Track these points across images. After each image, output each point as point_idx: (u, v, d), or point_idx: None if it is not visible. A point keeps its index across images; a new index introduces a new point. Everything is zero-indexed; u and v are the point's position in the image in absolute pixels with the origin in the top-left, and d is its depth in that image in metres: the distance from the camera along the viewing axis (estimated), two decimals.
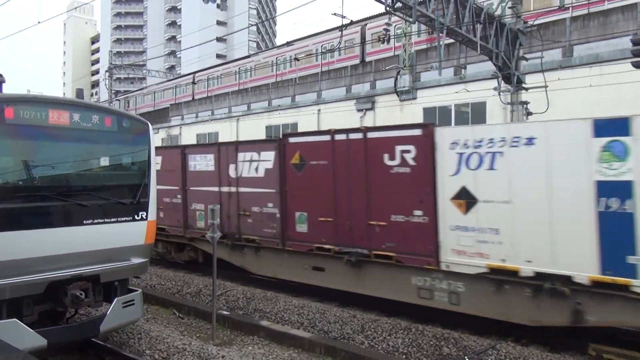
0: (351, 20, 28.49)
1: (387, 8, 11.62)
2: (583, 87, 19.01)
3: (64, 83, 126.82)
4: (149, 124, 8.01)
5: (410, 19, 12.03)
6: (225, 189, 12.47)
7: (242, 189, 12.06)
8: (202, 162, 13.14)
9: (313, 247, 10.64)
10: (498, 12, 16.99)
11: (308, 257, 10.84)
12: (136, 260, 7.55)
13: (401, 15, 12.35)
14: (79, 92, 7.86)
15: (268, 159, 11.43)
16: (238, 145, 12.32)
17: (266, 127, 33.87)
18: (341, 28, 17.34)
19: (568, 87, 18.77)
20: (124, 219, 7.35)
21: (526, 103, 17.92)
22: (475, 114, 23.63)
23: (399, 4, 12.19)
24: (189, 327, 9.38)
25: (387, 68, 26.42)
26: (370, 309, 10.30)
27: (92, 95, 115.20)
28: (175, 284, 12.49)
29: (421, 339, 8.17)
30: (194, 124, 40.58)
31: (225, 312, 9.66)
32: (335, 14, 31.87)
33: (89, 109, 7.24)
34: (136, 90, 64.56)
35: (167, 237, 14.41)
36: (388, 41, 11.90)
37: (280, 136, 11.48)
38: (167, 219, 14.09)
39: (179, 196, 13.78)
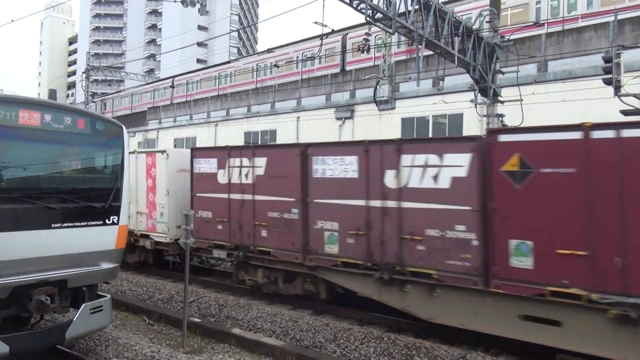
0: (332, 29, 28.68)
1: (367, 18, 11.71)
2: (556, 102, 19.46)
3: (39, 83, 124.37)
4: (123, 127, 7.89)
5: (390, 30, 12.15)
6: (376, 202, 9.40)
7: (407, 204, 9.00)
8: (335, 167, 10.07)
9: (544, 291, 7.44)
10: (476, 26, 17.33)
11: (530, 304, 7.70)
12: (106, 266, 7.40)
13: (381, 26, 12.47)
14: (52, 93, 7.76)
15: (458, 163, 8.41)
16: (402, 145, 9.19)
17: (245, 133, 33.72)
18: (321, 37, 17.38)
19: (542, 101, 19.18)
20: (94, 223, 7.20)
21: (502, 116, 18.26)
22: (453, 125, 23.95)
23: (379, 15, 12.31)
24: (159, 335, 9.21)
25: (366, 77, 26.62)
26: (344, 318, 10.29)
27: (67, 96, 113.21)
28: (147, 290, 12.28)
29: (393, 348, 8.18)
30: (172, 128, 40.17)
31: (196, 320, 9.52)
32: (316, 22, 32.11)
33: (61, 110, 7.10)
34: (113, 93, 63.68)
35: (271, 263, 11.22)
36: (368, 51, 11.95)
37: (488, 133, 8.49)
38: (275, 239, 11.07)
39: (296, 211, 10.65)
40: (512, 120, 17.82)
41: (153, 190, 14.22)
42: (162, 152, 14.20)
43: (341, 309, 10.67)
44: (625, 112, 11.49)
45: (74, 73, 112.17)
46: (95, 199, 7.27)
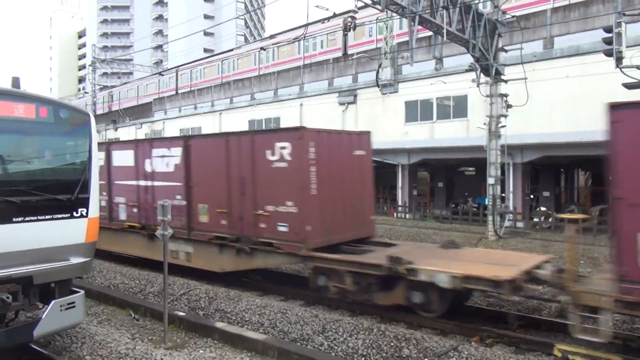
0: (334, 13, 27.99)
1: None
2: (563, 79, 18.71)
3: (51, 78, 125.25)
4: (90, 115, 7.52)
5: (379, 7, 11.57)
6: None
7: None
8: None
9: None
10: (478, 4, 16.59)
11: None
12: (76, 260, 7.07)
13: (369, 2, 11.87)
14: (15, 81, 7.35)
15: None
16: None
17: (249, 121, 33.35)
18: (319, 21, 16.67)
19: (547, 78, 18.46)
20: (59, 216, 6.87)
21: (505, 95, 17.60)
22: (457, 107, 23.29)
23: None
24: (142, 330, 8.92)
25: (366, 57, 25.95)
26: (335, 309, 9.92)
27: (79, 90, 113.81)
28: (139, 282, 12.02)
29: (382, 340, 7.79)
30: (177, 118, 39.95)
31: (180, 313, 9.22)
32: (317, 6, 31.43)
33: (20, 98, 6.74)
34: (120, 85, 63.61)
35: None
36: (353, 29, 11.47)
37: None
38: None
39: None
40: (517, 100, 17.17)
41: None
42: None
43: (333, 299, 10.29)
44: (627, 85, 10.82)
45: (84, 67, 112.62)
46: (60, 190, 6.92)
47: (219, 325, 8.58)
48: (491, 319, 9.05)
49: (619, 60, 11.24)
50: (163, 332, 8.33)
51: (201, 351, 7.79)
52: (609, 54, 11.65)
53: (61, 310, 6.86)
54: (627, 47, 11.92)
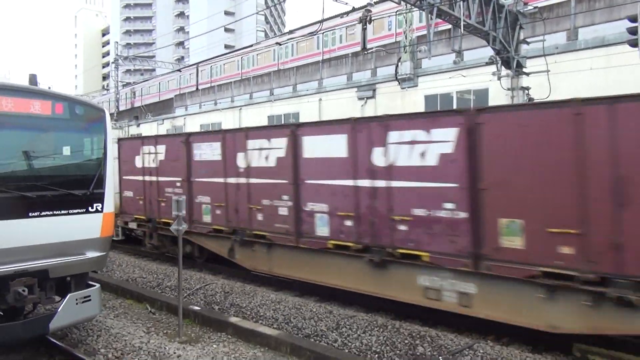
0: (353, 7, 27.79)
1: None
2: (587, 71, 18.22)
3: (76, 75, 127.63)
4: (105, 111, 7.59)
5: (395, 0, 11.40)
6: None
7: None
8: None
9: None
10: None
11: None
12: (91, 255, 7.17)
13: None
14: (32, 78, 7.45)
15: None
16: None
17: (268, 116, 33.42)
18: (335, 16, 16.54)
19: (571, 70, 17.99)
20: (75, 211, 6.96)
21: (527, 88, 17.21)
22: (478, 100, 22.90)
23: None
24: (157, 323, 9.01)
25: (384, 51, 25.68)
26: (349, 304, 9.86)
27: (103, 87, 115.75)
28: (157, 277, 12.16)
29: (396, 337, 7.71)
30: (197, 114, 40.28)
31: (196, 308, 9.28)
32: (336, 0, 31.24)
33: (36, 95, 6.83)
34: (141, 82, 64.44)
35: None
36: (369, 22, 11.35)
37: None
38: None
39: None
40: (539, 93, 16.76)
41: None
42: None
43: (348, 295, 10.22)
44: None
45: (107, 64, 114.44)
46: (75, 186, 7.02)
47: (233, 320, 8.61)
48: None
49: None
50: (178, 326, 8.40)
51: (214, 346, 7.83)
52: (633, 44, 11.27)
53: (77, 304, 6.96)
54: None
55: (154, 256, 14.96)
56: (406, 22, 24.83)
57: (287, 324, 8.69)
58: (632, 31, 11.34)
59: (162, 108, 44.19)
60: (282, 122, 32.19)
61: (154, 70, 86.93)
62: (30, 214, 6.49)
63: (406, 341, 7.58)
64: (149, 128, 45.31)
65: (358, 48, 30.92)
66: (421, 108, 24.66)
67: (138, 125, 46.22)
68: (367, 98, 26.99)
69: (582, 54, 19.09)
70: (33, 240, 6.49)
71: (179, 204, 8.26)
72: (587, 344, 6.93)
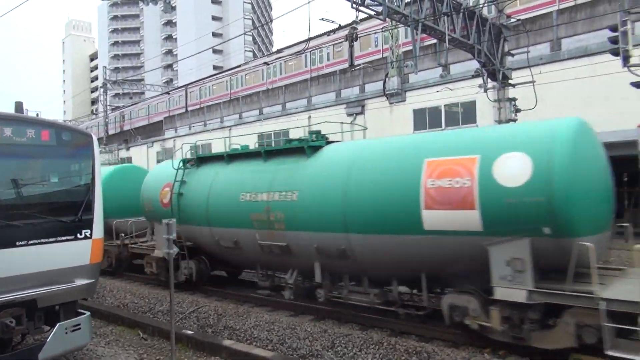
0: (339, 25, 28.18)
1: (354, 5, 11.11)
2: (572, 81, 18.46)
3: (64, 101, 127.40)
4: (93, 136, 7.55)
5: (381, 18, 11.53)
6: None
7: None
8: None
9: None
10: (482, 10, 16.43)
11: None
12: (81, 282, 7.06)
13: (370, 12, 11.82)
14: (18, 106, 7.41)
15: None
16: None
17: (258, 135, 33.43)
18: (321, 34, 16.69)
19: (556, 80, 18.21)
20: (64, 238, 6.87)
21: (514, 100, 17.38)
22: (466, 113, 23.09)
23: (368, 1, 11.70)
24: (150, 350, 8.86)
25: (371, 67, 25.91)
26: (345, 322, 9.76)
27: (92, 112, 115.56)
28: (149, 302, 11.99)
29: (392, 354, 7.62)
30: (187, 135, 40.22)
31: (188, 332, 9.15)
32: (322, 19, 31.62)
33: (21, 123, 6.78)
34: (130, 105, 64.42)
35: None
36: (356, 39, 11.50)
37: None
38: None
39: None
40: (526, 104, 16.93)
41: None
42: None
43: (343, 313, 10.13)
44: (636, 84, 10.61)
45: (96, 88, 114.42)
46: (63, 212, 6.93)
47: (227, 343, 8.48)
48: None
49: (626, 59, 11.04)
50: (170, 352, 8.25)
51: None
52: (615, 53, 11.46)
53: (66, 333, 6.82)
54: (634, 45, 11.71)
55: (145, 280, 14.78)
56: (392, 38, 25.11)
57: (282, 345, 8.58)
58: (614, 40, 11.52)
59: (151, 131, 44.13)
60: (272, 141, 32.25)
61: (143, 93, 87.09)
62: (17, 243, 6.39)
63: (402, 358, 7.50)
64: (138, 151, 45.17)
65: (346, 65, 31.23)
66: (410, 122, 24.83)
67: (128, 149, 46.09)
68: (357, 114, 27.13)
69: (567, 64, 19.35)
70: (21, 270, 6.38)
71: (169, 227, 8.17)
72: (583, 353, 6.88)
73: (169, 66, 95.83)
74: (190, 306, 11.10)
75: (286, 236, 9.97)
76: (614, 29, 11.42)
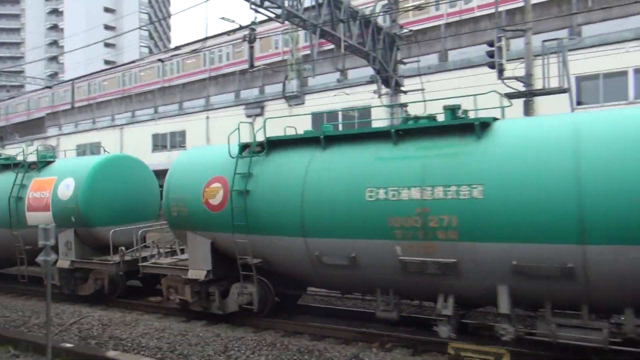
0: (240, 25, 27.75)
1: (252, 6, 11.01)
2: (458, 90, 19.84)
3: None
4: None
5: (279, 20, 11.55)
6: None
7: None
8: None
9: None
10: (377, 19, 17.11)
11: None
12: None
13: (268, 13, 11.81)
14: None
15: None
16: None
17: (152, 135, 32.01)
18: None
19: (442, 89, 19.46)
20: None
21: (405, 105, 18.31)
22: (362, 117, 23.89)
23: (267, 3, 11.67)
24: None
25: (270, 69, 25.98)
26: (239, 326, 9.61)
27: None
28: (23, 315, 10.94)
29: (285, 355, 7.63)
30: (73, 134, 37.42)
31: (67, 345, 8.45)
32: (223, 18, 31.06)
33: None
34: (7, 99, 58.47)
35: None
36: (253, 41, 11.54)
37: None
38: None
39: None
40: (416, 110, 17.89)
41: None
42: None
43: (237, 317, 9.96)
44: (509, 95, 11.71)
45: None
46: None
47: (111, 354, 7.96)
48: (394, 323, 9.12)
49: (501, 72, 12.10)
50: None
51: None
52: (492, 66, 12.51)
53: None
54: (509, 60, 12.85)
55: (20, 292, 13.46)
56: (292, 41, 25.33)
57: (172, 352, 8.24)
58: (491, 54, 12.56)
59: (31, 127, 40.43)
60: (168, 141, 31.03)
61: (22, 86, 79.50)
62: None
63: (295, 357, 7.55)
64: (16, 150, 41.20)
65: (246, 66, 30.93)
66: (308, 125, 25.18)
67: (3, 147, 41.81)
68: (256, 115, 26.98)
69: (453, 74, 20.79)
70: None
71: (47, 232, 7.51)
72: (459, 342, 7.35)
73: (54, 58, 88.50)
74: (72, 317, 10.30)
75: (458, 249, 7.08)
76: (491, 44, 12.45)
